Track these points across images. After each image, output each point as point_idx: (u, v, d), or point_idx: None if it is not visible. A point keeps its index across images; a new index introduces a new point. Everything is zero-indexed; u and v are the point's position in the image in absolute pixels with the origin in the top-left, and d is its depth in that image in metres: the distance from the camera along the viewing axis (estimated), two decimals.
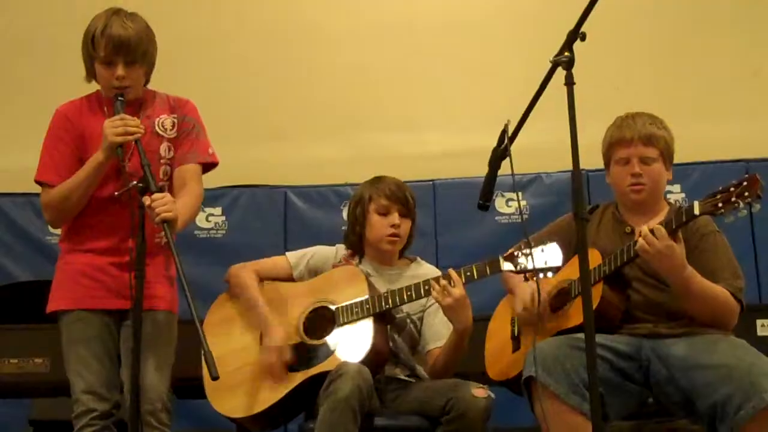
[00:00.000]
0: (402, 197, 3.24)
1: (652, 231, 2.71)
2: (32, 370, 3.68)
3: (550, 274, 2.83)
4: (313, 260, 3.29)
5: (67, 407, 2.82)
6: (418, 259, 3.38)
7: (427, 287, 3.02)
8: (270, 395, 3.02)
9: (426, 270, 3.29)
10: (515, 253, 2.89)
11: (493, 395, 2.88)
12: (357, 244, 3.31)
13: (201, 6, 5.86)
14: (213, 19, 5.82)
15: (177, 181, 2.90)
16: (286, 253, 3.34)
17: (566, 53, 2.33)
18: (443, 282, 2.95)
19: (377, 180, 3.31)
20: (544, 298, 2.96)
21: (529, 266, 2.83)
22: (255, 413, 3.03)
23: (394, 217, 3.22)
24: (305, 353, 3.07)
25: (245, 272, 3.25)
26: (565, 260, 2.90)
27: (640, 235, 2.75)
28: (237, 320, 3.23)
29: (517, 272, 2.90)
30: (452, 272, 2.96)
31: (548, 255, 2.81)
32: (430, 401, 2.96)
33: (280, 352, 3.03)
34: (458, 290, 2.93)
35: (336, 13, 5.84)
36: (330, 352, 3.03)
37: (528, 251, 2.84)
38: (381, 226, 3.22)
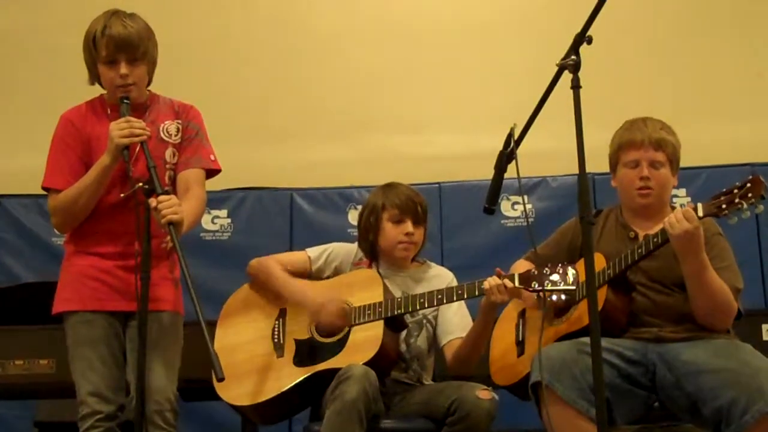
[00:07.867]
0: (414, 206, 3.25)
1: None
2: (38, 371, 3.67)
3: (564, 297, 2.83)
4: (332, 255, 3.31)
5: (73, 409, 2.82)
6: (428, 261, 3.40)
7: (440, 296, 3.04)
8: (275, 386, 3.05)
9: (437, 272, 3.32)
10: (532, 272, 2.88)
11: (497, 397, 2.89)
12: (369, 251, 3.32)
13: (206, 8, 5.87)
14: (218, 21, 5.82)
15: (181, 185, 2.90)
16: (307, 249, 3.35)
17: (573, 56, 2.33)
18: (501, 282, 2.93)
19: (389, 188, 3.31)
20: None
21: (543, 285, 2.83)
22: (258, 402, 3.05)
23: (408, 226, 3.22)
24: (314, 350, 3.09)
25: (269, 260, 3.28)
26: (571, 264, 2.89)
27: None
28: (255, 311, 3.25)
29: (531, 291, 2.89)
30: (507, 280, 2.94)
31: (564, 278, 2.81)
32: (434, 403, 2.97)
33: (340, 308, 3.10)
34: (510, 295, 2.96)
35: (341, 15, 5.84)
36: (338, 351, 3.04)
37: (544, 271, 2.84)
38: (395, 233, 3.23)
